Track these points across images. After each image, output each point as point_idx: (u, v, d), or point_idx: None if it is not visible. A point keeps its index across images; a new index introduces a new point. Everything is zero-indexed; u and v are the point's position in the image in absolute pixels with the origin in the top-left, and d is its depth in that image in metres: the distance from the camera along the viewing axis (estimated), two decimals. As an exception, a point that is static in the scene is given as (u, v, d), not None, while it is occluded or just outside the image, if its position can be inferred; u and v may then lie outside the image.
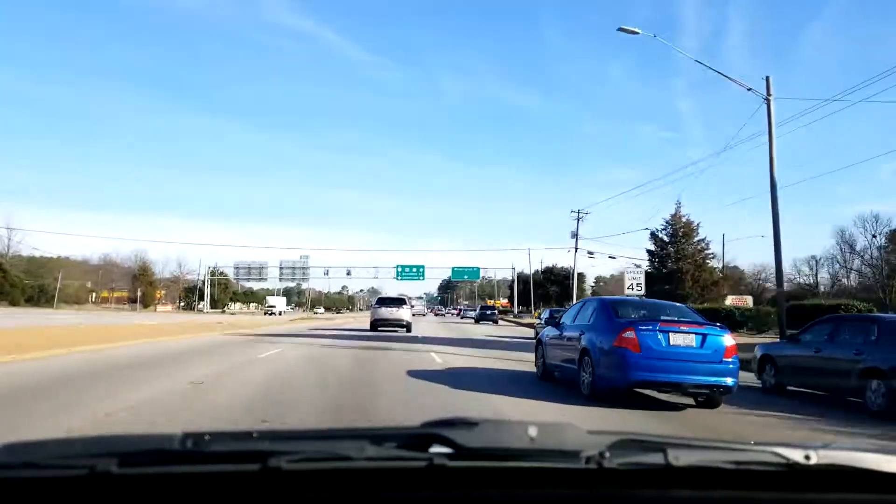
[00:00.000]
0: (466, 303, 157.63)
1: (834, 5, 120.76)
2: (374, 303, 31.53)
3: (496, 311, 64.74)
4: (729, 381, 8.87)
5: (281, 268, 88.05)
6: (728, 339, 9.10)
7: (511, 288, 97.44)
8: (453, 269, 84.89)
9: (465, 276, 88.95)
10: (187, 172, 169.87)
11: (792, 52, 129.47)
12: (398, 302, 29.57)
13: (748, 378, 11.81)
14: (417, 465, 1.12)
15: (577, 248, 52.61)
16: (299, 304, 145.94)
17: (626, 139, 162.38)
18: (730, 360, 8.91)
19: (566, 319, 11.47)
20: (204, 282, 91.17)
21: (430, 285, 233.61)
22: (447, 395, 9.40)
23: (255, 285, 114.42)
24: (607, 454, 1.17)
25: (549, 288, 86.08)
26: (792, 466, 1.24)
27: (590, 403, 8.97)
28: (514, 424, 1.28)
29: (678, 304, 11.85)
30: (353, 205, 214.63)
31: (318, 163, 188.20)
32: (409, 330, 27.76)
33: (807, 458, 1.24)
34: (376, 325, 28.11)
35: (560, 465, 1.18)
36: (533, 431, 1.21)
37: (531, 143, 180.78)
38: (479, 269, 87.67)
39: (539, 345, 12.45)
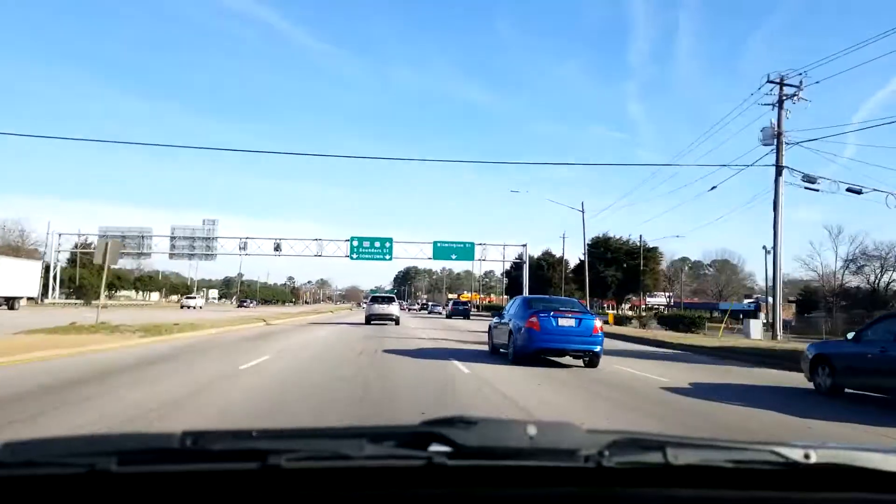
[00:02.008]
0: (426, 297, 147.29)
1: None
2: (368, 300, 38.18)
3: (469, 306, 65.60)
4: (597, 348, 14.00)
5: (173, 237, 60.72)
6: (596, 322, 14.27)
7: (509, 275, 77.77)
8: (435, 244, 61.34)
9: (453, 256, 63.74)
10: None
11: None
12: (388, 300, 36.52)
13: (799, 380, 12.40)
14: (416, 464, 1.13)
15: (779, 167, 27.38)
16: (226, 296, 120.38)
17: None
18: (597, 335, 14.06)
19: (506, 312, 16.69)
20: (74, 258, 63.26)
21: (385, 277, 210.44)
22: (441, 362, 14.71)
23: (139, 262, 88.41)
24: (606, 453, 1.18)
25: (603, 270, 58.03)
26: (792, 465, 1.25)
27: (511, 364, 14.09)
28: (513, 423, 1.33)
29: (571, 299, 17.22)
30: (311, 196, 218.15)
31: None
32: (397, 323, 34.14)
33: (807, 456, 1.25)
34: (370, 318, 34.45)
35: (559, 464, 1.18)
36: (532, 430, 1.23)
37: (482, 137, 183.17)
38: (472, 244, 62.29)
39: (490, 330, 17.77)
